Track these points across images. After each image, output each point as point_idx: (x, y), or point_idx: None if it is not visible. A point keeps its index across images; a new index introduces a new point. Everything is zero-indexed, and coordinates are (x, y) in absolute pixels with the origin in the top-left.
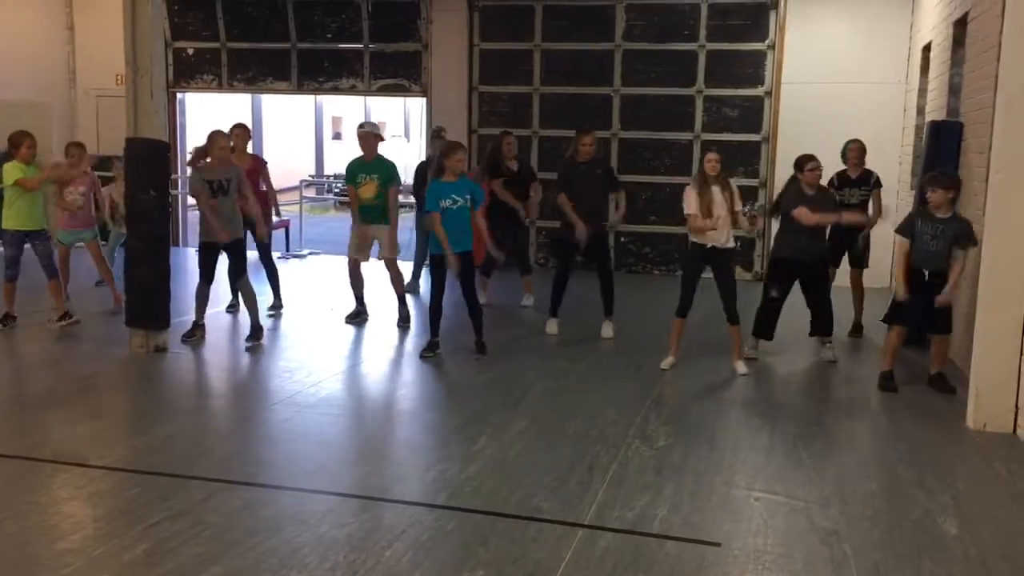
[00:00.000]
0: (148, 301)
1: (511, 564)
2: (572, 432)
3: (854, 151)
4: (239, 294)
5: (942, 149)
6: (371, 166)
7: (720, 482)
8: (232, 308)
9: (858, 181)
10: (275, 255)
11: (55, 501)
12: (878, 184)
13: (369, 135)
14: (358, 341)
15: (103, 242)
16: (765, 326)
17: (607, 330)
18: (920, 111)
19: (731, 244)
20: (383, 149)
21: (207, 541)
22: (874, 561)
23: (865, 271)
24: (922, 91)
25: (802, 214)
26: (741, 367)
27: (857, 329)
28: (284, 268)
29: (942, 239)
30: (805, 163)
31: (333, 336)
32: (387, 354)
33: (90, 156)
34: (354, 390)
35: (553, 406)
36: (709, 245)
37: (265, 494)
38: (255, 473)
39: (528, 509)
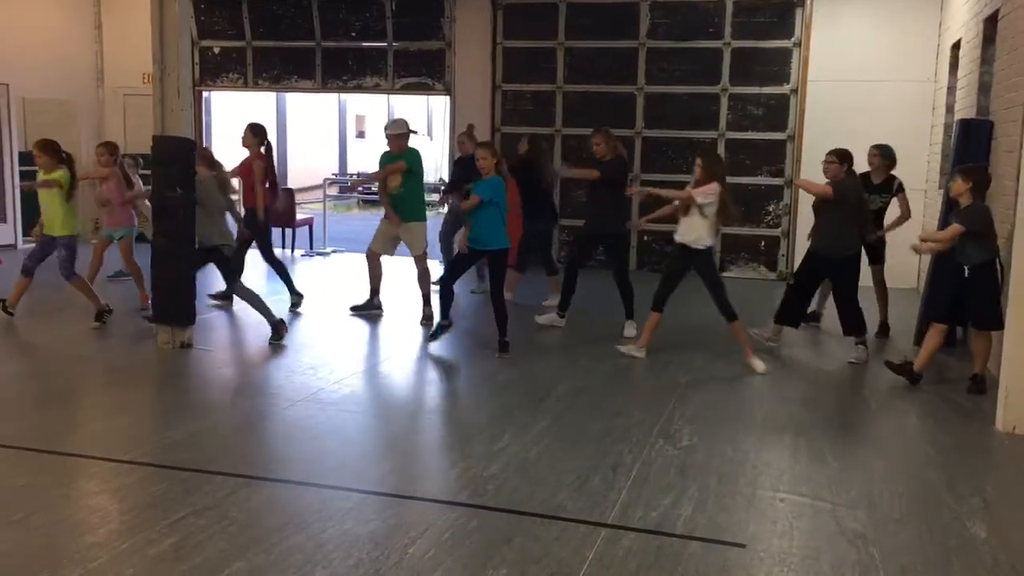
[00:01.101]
0: (174, 298)
1: (534, 563)
2: (595, 431)
3: (872, 156)
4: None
5: (971, 148)
6: (397, 157)
7: (745, 483)
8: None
9: (880, 187)
10: (296, 252)
11: (82, 495)
12: (900, 189)
13: (391, 137)
14: (381, 338)
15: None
16: (779, 310)
17: (629, 329)
18: (949, 109)
19: (701, 245)
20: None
21: (232, 536)
22: (902, 565)
23: (891, 271)
24: (951, 89)
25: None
26: (758, 365)
27: (883, 329)
28: (307, 265)
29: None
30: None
31: (356, 333)
32: (410, 352)
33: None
34: (377, 387)
35: (576, 405)
36: (681, 243)
37: (289, 490)
38: (279, 469)
39: (551, 508)
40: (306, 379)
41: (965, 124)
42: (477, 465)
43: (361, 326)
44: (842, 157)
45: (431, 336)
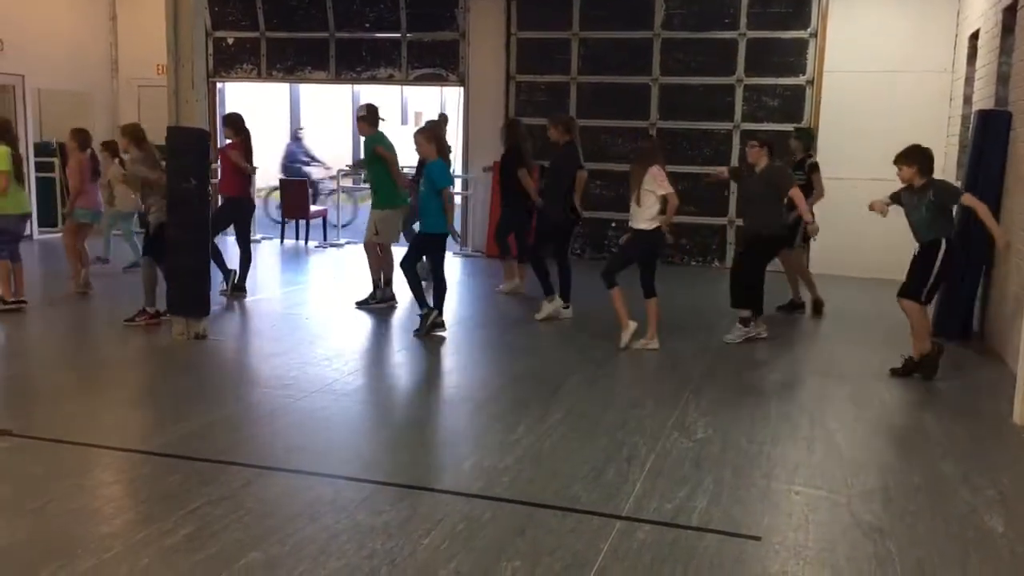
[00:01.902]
0: (189, 289)
1: (548, 555)
2: (609, 423)
3: (790, 139)
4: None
5: (990, 139)
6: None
7: (759, 475)
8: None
9: (796, 166)
10: (310, 243)
11: (98, 485)
12: (813, 169)
13: (357, 119)
14: (394, 330)
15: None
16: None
17: (547, 308)
18: (967, 100)
19: (655, 225)
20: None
21: (247, 527)
22: (918, 557)
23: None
24: (969, 80)
25: None
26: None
27: (816, 305)
28: (321, 257)
29: (919, 208)
30: None
31: (369, 325)
32: (423, 343)
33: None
34: (390, 379)
35: (590, 397)
36: (640, 228)
37: (303, 480)
38: (294, 460)
39: (565, 500)
40: (320, 370)
41: (983, 115)
42: (491, 456)
43: (375, 318)
44: (763, 143)
45: (418, 330)
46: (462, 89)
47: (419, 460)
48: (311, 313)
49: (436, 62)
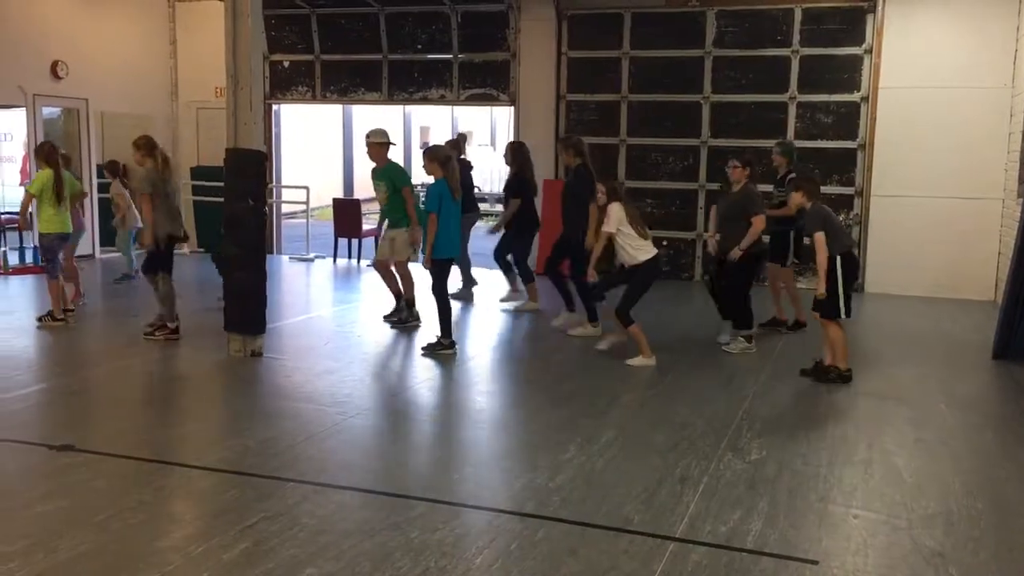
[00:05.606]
0: (245, 307)
1: (601, 575)
2: (661, 443)
3: (774, 155)
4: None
5: None
6: (380, 173)
7: (816, 498)
8: None
9: (779, 183)
10: (362, 262)
11: (158, 500)
12: (791, 186)
13: (371, 144)
14: None
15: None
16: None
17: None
18: None
19: (638, 261)
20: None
21: (303, 543)
22: None
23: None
24: None
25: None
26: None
27: (775, 323)
28: (373, 275)
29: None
30: None
31: (420, 343)
32: (476, 362)
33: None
34: (443, 397)
35: (641, 417)
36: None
37: (358, 498)
38: (348, 477)
39: (618, 520)
40: (374, 388)
41: None
42: (543, 476)
43: (428, 336)
44: (745, 163)
45: (427, 349)
46: (513, 109)
47: (471, 478)
48: (363, 331)
49: (487, 82)
